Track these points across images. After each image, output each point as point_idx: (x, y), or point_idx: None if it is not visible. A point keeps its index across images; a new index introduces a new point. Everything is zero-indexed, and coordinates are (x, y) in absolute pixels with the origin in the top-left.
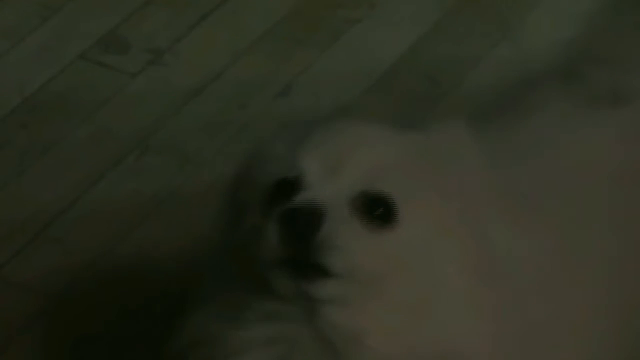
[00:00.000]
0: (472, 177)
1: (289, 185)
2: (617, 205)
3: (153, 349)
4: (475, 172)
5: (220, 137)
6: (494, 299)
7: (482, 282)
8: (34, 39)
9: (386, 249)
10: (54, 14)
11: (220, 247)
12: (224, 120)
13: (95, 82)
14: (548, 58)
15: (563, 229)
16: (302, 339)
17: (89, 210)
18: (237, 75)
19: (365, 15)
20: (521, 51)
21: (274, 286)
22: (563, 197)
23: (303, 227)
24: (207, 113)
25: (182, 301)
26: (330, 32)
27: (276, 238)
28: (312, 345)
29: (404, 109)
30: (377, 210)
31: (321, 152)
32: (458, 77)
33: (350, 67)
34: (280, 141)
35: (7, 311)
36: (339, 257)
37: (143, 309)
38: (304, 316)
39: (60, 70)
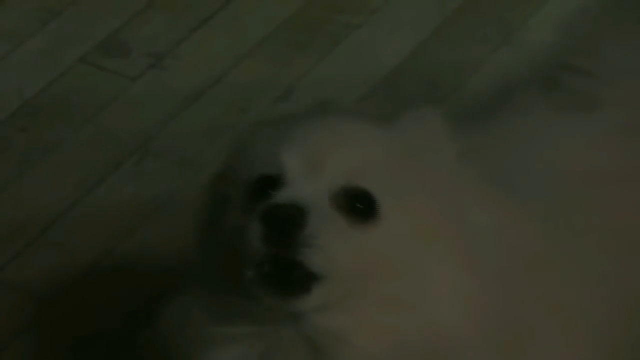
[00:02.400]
0: (450, 167)
1: (270, 182)
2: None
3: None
4: (453, 161)
5: (220, 141)
6: (480, 287)
7: (468, 272)
8: (34, 43)
9: (368, 245)
10: (55, 17)
11: (202, 244)
12: (224, 125)
13: (95, 86)
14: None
15: (549, 218)
16: (285, 337)
17: (88, 213)
18: (238, 80)
19: (366, 20)
20: (522, 56)
21: (258, 300)
22: (544, 187)
23: (284, 224)
24: (207, 117)
25: None
26: (331, 37)
27: (258, 236)
28: (295, 344)
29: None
30: (358, 206)
31: (302, 148)
32: (458, 82)
33: (350, 72)
34: (261, 137)
35: (5, 313)
36: (321, 253)
37: (143, 310)
38: (288, 319)
39: (60, 74)
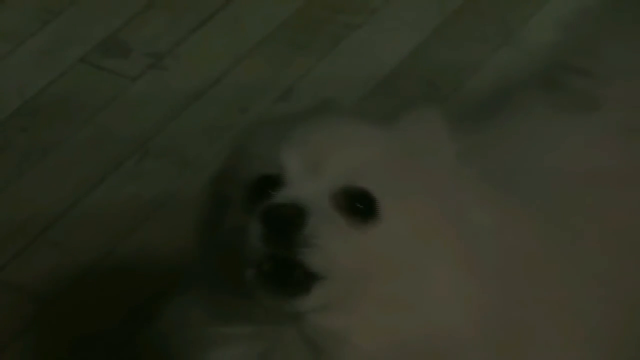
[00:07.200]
0: (450, 167)
1: (270, 182)
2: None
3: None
4: (453, 161)
5: (220, 141)
6: (480, 287)
7: (467, 272)
8: (34, 43)
9: (368, 245)
10: (55, 17)
11: (202, 244)
12: (224, 125)
13: (95, 86)
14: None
15: (549, 218)
16: (285, 337)
17: (88, 213)
18: (238, 80)
19: (366, 20)
20: (522, 56)
21: (258, 300)
22: (544, 187)
23: (284, 224)
24: (207, 117)
25: None
26: (331, 37)
27: (258, 236)
28: (295, 344)
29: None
30: (358, 206)
31: (302, 148)
32: (458, 81)
33: (350, 72)
34: (261, 137)
35: (5, 313)
36: (321, 253)
37: (143, 310)
38: (287, 319)
39: (60, 74)
